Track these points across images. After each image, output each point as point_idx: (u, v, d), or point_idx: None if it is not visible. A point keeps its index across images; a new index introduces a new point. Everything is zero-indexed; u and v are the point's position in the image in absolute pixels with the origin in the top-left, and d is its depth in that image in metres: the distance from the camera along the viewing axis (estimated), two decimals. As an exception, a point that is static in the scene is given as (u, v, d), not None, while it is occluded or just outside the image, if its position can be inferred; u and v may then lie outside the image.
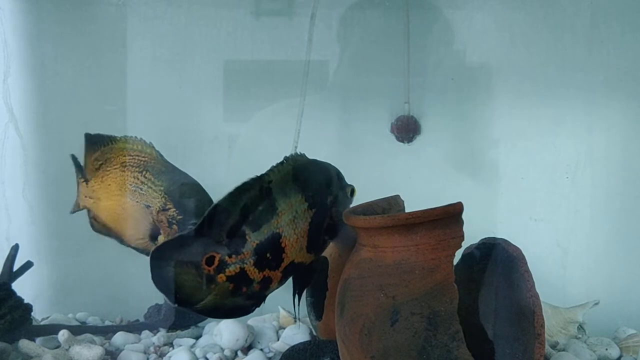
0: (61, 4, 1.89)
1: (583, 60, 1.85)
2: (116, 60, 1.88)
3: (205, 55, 1.91)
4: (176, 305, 1.23)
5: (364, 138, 1.91)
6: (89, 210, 1.57)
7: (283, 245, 1.28)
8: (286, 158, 1.30)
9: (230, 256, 1.23)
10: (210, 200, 1.43)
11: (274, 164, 1.28)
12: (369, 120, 1.91)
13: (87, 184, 1.53)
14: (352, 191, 1.44)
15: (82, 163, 1.57)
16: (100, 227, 1.56)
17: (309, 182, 1.32)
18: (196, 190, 1.44)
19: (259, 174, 1.25)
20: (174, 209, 1.42)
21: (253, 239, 1.24)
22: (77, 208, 1.60)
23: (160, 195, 1.42)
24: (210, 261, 1.22)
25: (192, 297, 1.23)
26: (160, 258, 1.21)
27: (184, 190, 1.43)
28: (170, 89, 1.92)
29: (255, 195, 1.24)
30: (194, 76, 1.91)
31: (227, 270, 1.23)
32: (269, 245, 1.26)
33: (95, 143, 1.52)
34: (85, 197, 1.54)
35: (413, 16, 1.85)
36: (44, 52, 1.90)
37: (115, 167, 1.48)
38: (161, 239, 1.42)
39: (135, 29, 1.88)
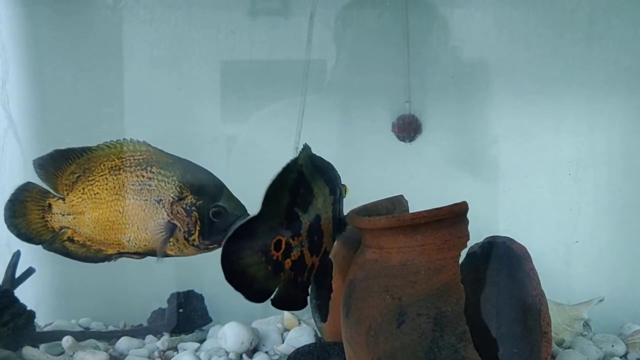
0: (59, 8, 1.88)
1: (583, 57, 1.85)
2: (115, 63, 1.87)
3: (203, 56, 1.90)
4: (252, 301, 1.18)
5: (364, 138, 1.90)
6: (57, 234, 1.48)
7: (323, 228, 1.26)
8: (304, 146, 1.29)
9: (293, 238, 1.20)
10: (222, 183, 1.41)
11: (299, 151, 1.26)
12: (369, 120, 1.90)
13: (64, 201, 1.47)
14: (345, 190, 1.44)
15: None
16: (77, 248, 1.47)
17: (324, 169, 1.32)
18: (207, 173, 1.42)
19: (293, 158, 1.23)
20: (192, 196, 1.39)
21: (306, 220, 1.22)
22: (53, 233, 1.47)
23: (175, 185, 1.39)
24: (277, 246, 1.18)
25: (265, 288, 1.19)
26: (233, 252, 1.14)
27: (199, 175, 1.40)
28: (169, 91, 1.91)
29: (296, 177, 1.22)
30: (192, 78, 1.90)
31: (292, 254, 1.20)
32: (316, 226, 1.24)
33: (68, 157, 1.46)
34: (63, 215, 1.47)
35: (412, 15, 1.85)
36: (42, 57, 1.88)
37: (102, 174, 1.43)
38: (177, 231, 1.39)
39: (133, 32, 1.88)
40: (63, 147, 1.48)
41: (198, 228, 1.38)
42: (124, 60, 1.87)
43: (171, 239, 1.39)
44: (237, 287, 1.15)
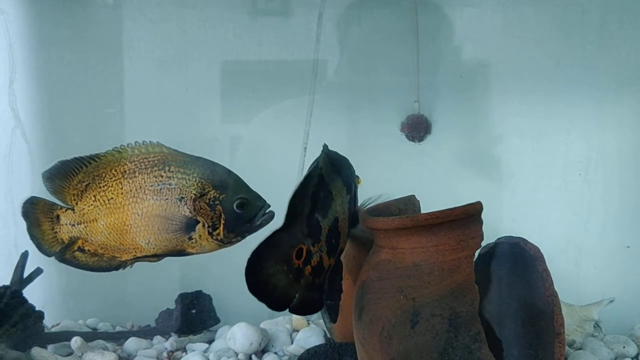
0: (67, 7, 1.88)
1: (594, 57, 1.84)
2: (122, 63, 1.86)
3: (210, 56, 1.89)
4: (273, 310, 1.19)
5: (373, 138, 1.90)
6: (68, 245, 1.47)
7: (340, 230, 1.26)
8: (323, 147, 1.29)
9: (313, 245, 1.20)
10: (238, 176, 1.41)
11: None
12: (378, 120, 1.89)
13: (73, 211, 1.46)
14: (358, 180, 1.44)
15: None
16: (87, 257, 1.47)
17: (341, 167, 1.32)
18: (223, 168, 1.42)
19: (315, 165, 1.23)
20: (214, 190, 1.39)
21: (325, 225, 1.22)
22: (61, 245, 1.47)
23: (196, 181, 1.39)
24: (299, 254, 1.18)
25: (286, 296, 1.19)
26: (256, 263, 1.15)
27: (217, 169, 1.41)
28: (176, 91, 1.90)
29: (317, 182, 1.22)
30: (200, 78, 1.90)
31: (312, 260, 1.20)
32: (334, 230, 1.25)
33: (74, 167, 1.44)
34: (72, 226, 1.46)
35: (421, 14, 1.84)
36: (50, 56, 1.88)
37: (114, 178, 1.43)
38: (199, 227, 1.39)
39: (141, 31, 1.87)
40: (69, 155, 1.46)
41: (222, 222, 1.38)
42: (132, 59, 1.86)
43: (193, 236, 1.39)
44: (260, 297, 1.16)
